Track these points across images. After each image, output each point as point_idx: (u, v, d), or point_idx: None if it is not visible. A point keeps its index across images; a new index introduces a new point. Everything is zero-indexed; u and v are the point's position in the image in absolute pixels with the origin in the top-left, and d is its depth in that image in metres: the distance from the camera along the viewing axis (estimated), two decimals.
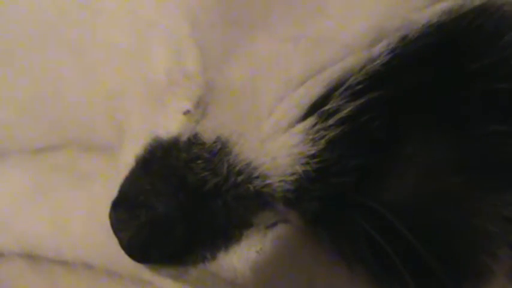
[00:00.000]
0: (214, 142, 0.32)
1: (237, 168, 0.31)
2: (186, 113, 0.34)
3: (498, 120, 0.29)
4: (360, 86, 0.29)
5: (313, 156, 0.30)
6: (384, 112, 0.29)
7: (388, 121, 0.29)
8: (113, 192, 0.46)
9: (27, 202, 0.50)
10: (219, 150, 0.32)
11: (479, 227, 0.30)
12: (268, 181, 0.31)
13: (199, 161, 0.32)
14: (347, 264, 0.31)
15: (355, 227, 0.29)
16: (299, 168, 0.30)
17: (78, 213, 0.49)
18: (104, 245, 0.47)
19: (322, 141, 0.29)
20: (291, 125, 0.30)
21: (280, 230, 0.33)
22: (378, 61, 0.29)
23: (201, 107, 0.33)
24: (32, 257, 0.51)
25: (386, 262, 0.29)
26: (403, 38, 0.29)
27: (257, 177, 0.31)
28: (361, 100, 0.29)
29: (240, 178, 0.31)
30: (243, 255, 0.33)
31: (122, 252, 0.47)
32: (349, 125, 0.29)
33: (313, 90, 0.29)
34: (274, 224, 0.33)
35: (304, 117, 0.30)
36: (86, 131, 0.48)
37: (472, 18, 0.29)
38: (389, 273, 0.29)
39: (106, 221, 0.46)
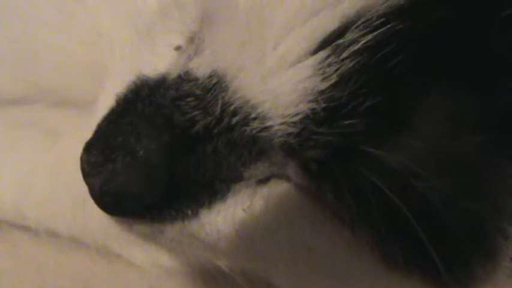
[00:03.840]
0: (209, 76, 0.28)
1: (233, 107, 0.28)
2: (178, 48, 0.30)
3: None
4: (381, 20, 0.25)
5: (322, 92, 0.26)
6: (406, 47, 0.25)
7: (410, 59, 0.26)
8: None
9: None
10: (214, 86, 0.28)
11: (490, 199, 0.27)
12: (267, 123, 0.27)
13: (189, 99, 0.28)
14: (350, 226, 0.28)
15: (363, 181, 0.26)
16: (304, 107, 0.26)
17: (44, 174, 0.46)
18: (70, 211, 0.44)
19: (334, 75, 0.26)
20: (299, 59, 0.26)
21: (274, 186, 0.29)
22: None
23: (195, 42, 0.30)
24: None
25: (395, 221, 0.26)
26: None
27: (255, 118, 0.27)
28: (382, 29, 0.25)
29: (235, 119, 0.28)
30: (229, 214, 0.30)
31: (89, 220, 0.44)
32: (366, 58, 0.26)
33: (328, 22, 0.26)
34: (266, 180, 0.30)
35: (316, 51, 0.26)
36: (62, 83, 0.44)
37: None
38: (398, 234, 0.26)
39: (73, 185, 0.43)
